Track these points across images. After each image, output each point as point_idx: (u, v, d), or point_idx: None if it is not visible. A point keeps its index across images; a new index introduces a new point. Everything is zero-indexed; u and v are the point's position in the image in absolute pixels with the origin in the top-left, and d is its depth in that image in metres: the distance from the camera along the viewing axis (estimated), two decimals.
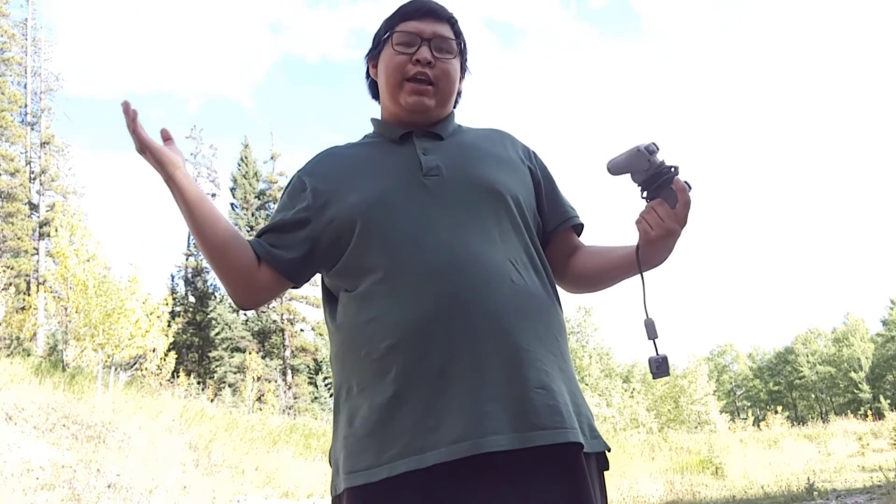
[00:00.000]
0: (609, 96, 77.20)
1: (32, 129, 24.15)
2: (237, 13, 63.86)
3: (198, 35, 63.15)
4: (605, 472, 1.19)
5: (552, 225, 1.35)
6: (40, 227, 22.35)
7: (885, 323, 49.08)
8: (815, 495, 9.16)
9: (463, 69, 1.37)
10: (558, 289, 1.31)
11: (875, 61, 72.84)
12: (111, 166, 55.41)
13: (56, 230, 13.18)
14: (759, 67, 77.50)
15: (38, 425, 8.44)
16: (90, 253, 12.89)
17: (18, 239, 21.12)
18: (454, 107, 1.37)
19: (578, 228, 1.40)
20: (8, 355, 13.27)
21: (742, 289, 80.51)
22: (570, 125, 76.74)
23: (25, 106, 23.77)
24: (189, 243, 30.95)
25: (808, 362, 50.49)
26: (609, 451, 1.18)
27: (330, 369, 1.27)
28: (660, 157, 1.10)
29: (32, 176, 23.31)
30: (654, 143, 1.10)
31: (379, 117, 1.40)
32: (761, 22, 76.36)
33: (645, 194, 1.13)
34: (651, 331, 1.17)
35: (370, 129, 1.40)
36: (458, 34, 1.34)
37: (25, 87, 24.09)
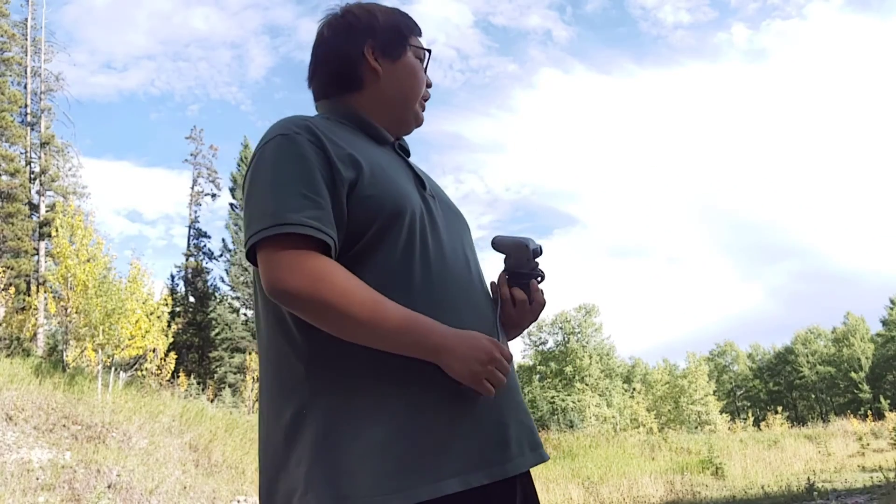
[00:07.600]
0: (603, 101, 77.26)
1: (32, 129, 24.14)
2: (237, 15, 63.93)
3: (198, 36, 63.20)
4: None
5: None
6: (40, 227, 22.33)
7: (885, 323, 49.03)
8: (815, 495, 9.16)
9: None
10: None
11: (870, 57, 72.96)
12: (112, 167, 55.45)
13: (56, 230, 13.16)
14: (758, 66, 77.61)
15: (38, 425, 8.44)
16: (90, 253, 12.89)
17: (18, 239, 21.10)
18: None
19: None
20: (8, 355, 13.27)
21: (742, 288, 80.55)
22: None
23: (25, 106, 23.75)
24: (189, 243, 30.93)
25: (808, 362, 50.47)
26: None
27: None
28: (539, 260, 1.22)
29: (32, 176, 23.30)
30: (540, 247, 1.22)
31: (351, 106, 1.26)
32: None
33: (507, 278, 1.21)
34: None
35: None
36: None
37: (25, 87, 24.07)
